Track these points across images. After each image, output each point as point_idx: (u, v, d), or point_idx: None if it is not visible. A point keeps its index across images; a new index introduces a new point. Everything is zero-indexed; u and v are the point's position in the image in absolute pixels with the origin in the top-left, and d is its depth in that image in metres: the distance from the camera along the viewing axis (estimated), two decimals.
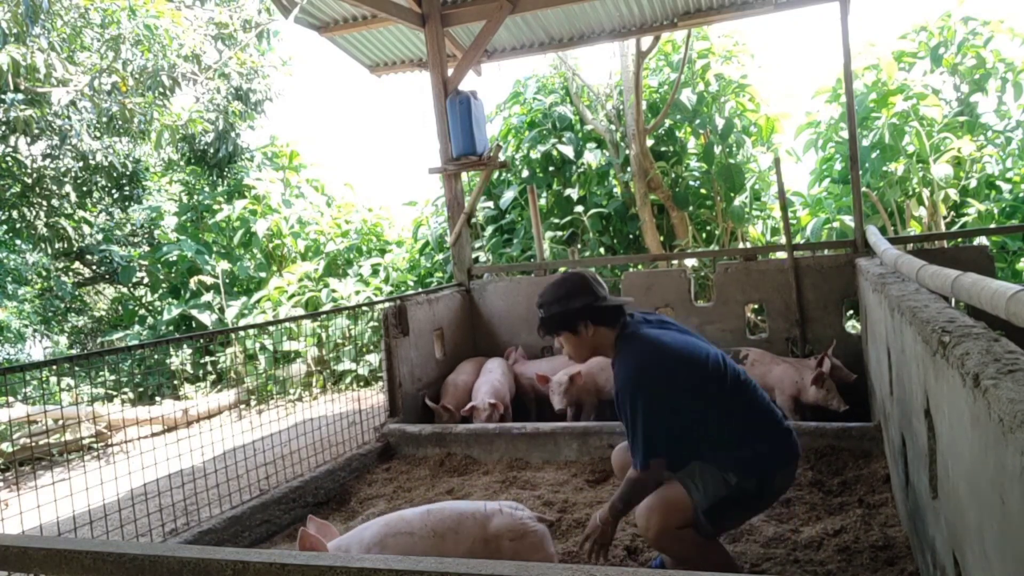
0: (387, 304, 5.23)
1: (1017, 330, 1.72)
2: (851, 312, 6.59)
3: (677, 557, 2.49)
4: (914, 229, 8.27)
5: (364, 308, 7.63)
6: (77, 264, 11.41)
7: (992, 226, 7.35)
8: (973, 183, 8.28)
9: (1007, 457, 1.03)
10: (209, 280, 9.88)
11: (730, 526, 2.64)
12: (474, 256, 8.85)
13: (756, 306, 7.03)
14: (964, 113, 8.90)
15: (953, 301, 2.19)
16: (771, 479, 2.48)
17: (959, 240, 7.02)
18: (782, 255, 5.66)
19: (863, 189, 6.96)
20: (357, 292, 9.33)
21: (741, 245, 9.07)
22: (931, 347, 1.65)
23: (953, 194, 7.95)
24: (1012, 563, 1.09)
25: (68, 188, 9.82)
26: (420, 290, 6.77)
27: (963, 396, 1.33)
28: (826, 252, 6.31)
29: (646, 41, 8.36)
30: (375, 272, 9.98)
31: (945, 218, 8.08)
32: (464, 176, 6.74)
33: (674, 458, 2.49)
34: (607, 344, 2.61)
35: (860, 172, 5.34)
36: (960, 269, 2.05)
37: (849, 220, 7.72)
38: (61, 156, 9.79)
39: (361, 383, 8.22)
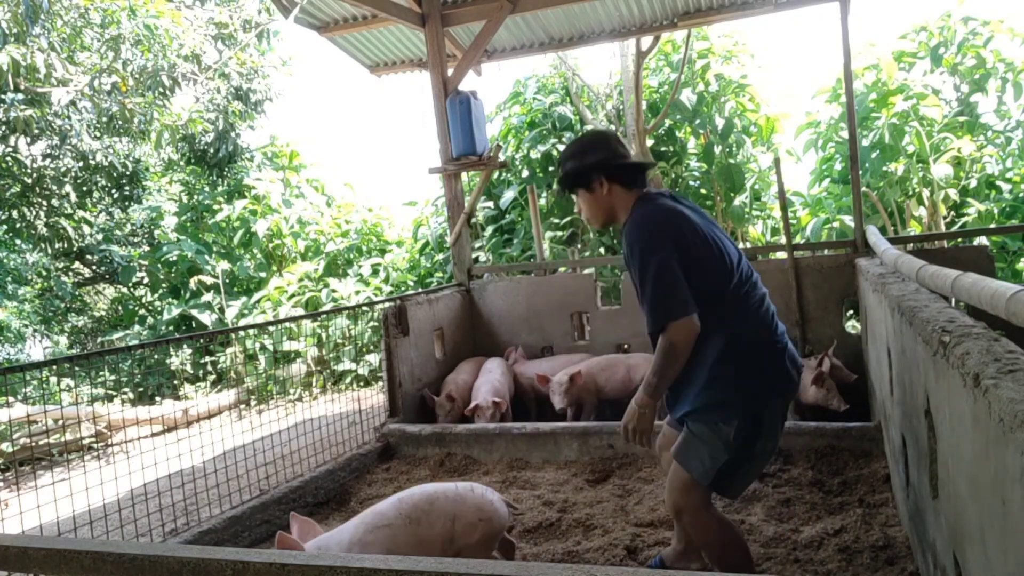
0: (387, 304, 5.23)
1: (1017, 330, 1.72)
2: (851, 312, 6.59)
3: (701, 545, 2.52)
4: (914, 229, 8.28)
5: (364, 308, 7.63)
6: (77, 264, 11.41)
7: (992, 226, 7.35)
8: (973, 183, 8.29)
9: (1008, 457, 1.03)
10: (209, 280, 9.88)
11: (749, 481, 2.58)
12: (474, 256, 8.85)
13: None
14: (964, 113, 8.91)
15: (953, 301, 2.18)
16: (764, 403, 2.36)
17: (959, 240, 7.02)
18: (782, 255, 5.65)
19: (863, 189, 6.96)
20: (357, 292, 9.33)
21: (741, 245, 9.07)
22: (931, 347, 1.65)
23: (953, 194, 7.96)
24: (1013, 563, 1.09)
25: (68, 188, 9.82)
26: (420, 290, 6.77)
27: (963, 396, 1.33)
28: (826, 252, 6.30)
29: (646, 41, 8.37)
30: (375, 272, 9.97)
31: (945, 218, 8.08)
32: (464, 176, 6.74)
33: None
34: (623, 206, 2.48)
35: (860, 172, 5.34)
36: (960, 269, 2.05)
37: (849, 220, 7.73)
38: (61, 156, 9.79)
39: (361, 383, 8.21)
